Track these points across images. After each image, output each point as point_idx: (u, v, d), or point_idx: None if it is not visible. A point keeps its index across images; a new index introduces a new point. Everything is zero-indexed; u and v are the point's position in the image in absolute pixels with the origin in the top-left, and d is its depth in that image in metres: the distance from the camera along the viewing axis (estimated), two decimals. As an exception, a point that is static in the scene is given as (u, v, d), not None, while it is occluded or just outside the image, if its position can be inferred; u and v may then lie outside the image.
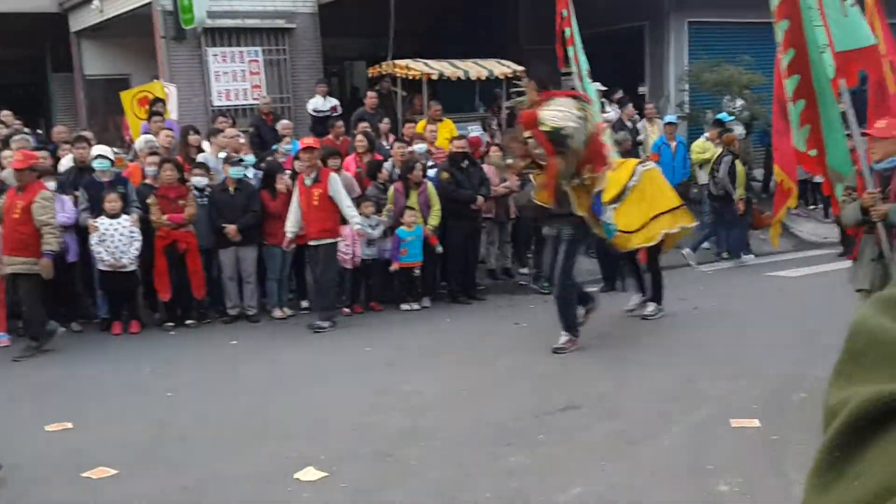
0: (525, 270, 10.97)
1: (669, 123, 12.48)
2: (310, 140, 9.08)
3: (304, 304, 9.69)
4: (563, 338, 7.55)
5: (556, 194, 7.25)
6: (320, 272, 8.91)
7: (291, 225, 8.87)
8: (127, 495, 4.98)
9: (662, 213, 8.42)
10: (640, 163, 8.64)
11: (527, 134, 7.05)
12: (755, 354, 7.20)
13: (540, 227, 10.89)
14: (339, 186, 8.80)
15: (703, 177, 11.92)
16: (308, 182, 8.78)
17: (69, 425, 6.16)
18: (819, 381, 4.72)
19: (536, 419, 5.92)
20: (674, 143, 12.29)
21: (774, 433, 5.45)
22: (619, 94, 14.27)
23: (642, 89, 16.63)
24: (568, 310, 7.60)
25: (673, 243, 9.07)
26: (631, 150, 12.30)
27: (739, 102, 13.86)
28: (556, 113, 6.89)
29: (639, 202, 8.31)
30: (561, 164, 6.95)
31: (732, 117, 12.86)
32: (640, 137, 13.11)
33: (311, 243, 8.87)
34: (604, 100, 14.08)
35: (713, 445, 5.37)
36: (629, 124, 13.27)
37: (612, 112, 13.89)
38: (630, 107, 13.72)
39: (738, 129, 12.61)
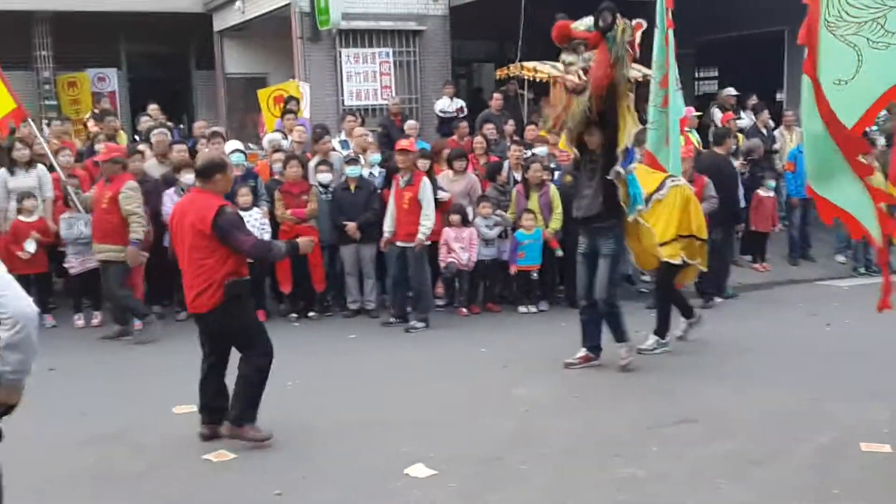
0: (647, 278, 10.74)
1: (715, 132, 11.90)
2: (406, 143, 9.13)
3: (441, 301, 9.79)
4: (624, 349, 7.23)
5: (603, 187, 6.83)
6: (411, 274, 8.90)
7: (388, 225, 8.98)
8: (245, 480, 5.16)
9: (684, 237, 7.68)
10: (671, 177, 7.82)
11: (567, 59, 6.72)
12: (889, 377, 6.81)
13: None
14: (429, 192, 8.81)
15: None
16: (402, 184, 8.84)
17: (194, 408, 6.42)
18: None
19: (649, 431, 5.79)
20: (811, 153, 11.77)
21: (906, 460, 5.16)
22: (754, 100, 13.79)
23: (780, 96, 16.04)
24: (618, 322, 7.22)
25: (689, 279, 8.32)
26: (764, 156, 11.90)
27: (883, 112, 13.15)
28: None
29: (665, 217, 7.58)
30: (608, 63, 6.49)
31: (875, 128, 12.21)
32: (777, 146, 12.63)
33: (399, 244, 8.89)
34: (736, 105, 13.67)
35: (840, 469, 5.12)
36: (764, 131, 12.81)
37: (746, 118, 13.45)
38: (765, 113, 13.23)
39: (880, 141, 11.97)
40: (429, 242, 9.00)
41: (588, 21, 6.56)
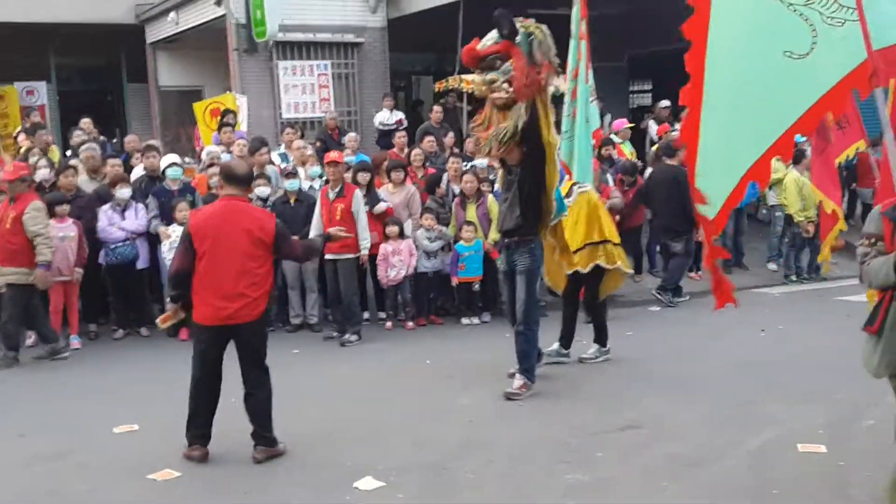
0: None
1: (665, 145, 12.24)
2: (334, 154, 9.09)
3: (365, 314, 9.77)
4: (519, 381, 6.83)
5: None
6: (343, 288, 8.85)
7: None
8: (191, 498, 5.08)
9: (597, 244, 7.61)
10: (577, 184, 7.72)
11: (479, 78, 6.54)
12: (823, 379, 7.03)
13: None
14: (361, 204, 8.81)
15: (772, 198, 11.72)
16: (331, 196, 8.78)
17: (135, 427, 6.32)
18: (888, 409, 4.60)
19: (594, 437, 5.87)
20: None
21: (841, 459, 5.32)
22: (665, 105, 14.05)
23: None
24: (528, 345, 6.88)
25: (615, 286, 8.16)
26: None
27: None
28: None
29: (571, 225, 7.49)
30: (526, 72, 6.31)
31: (803, 138, 12.59)
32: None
33: (329, 257, 8.80)
34: (671, 118, 13.97)
35: (778, 470, 5.26)
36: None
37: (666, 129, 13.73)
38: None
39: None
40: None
41: (493, 34, 6.45)
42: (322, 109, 13.81)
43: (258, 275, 5.43)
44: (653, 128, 13.78)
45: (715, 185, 4.33)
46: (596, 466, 5.37)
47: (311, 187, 9.78)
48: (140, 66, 17.06)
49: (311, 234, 8.86)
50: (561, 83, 9.50)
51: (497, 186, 10.02)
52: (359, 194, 8.84)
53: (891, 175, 4.80)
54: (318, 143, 12.31)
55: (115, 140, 14.99)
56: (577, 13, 8.04)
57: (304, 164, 10.23)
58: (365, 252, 8.80)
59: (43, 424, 6.48)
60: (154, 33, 16.35)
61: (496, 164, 10.10)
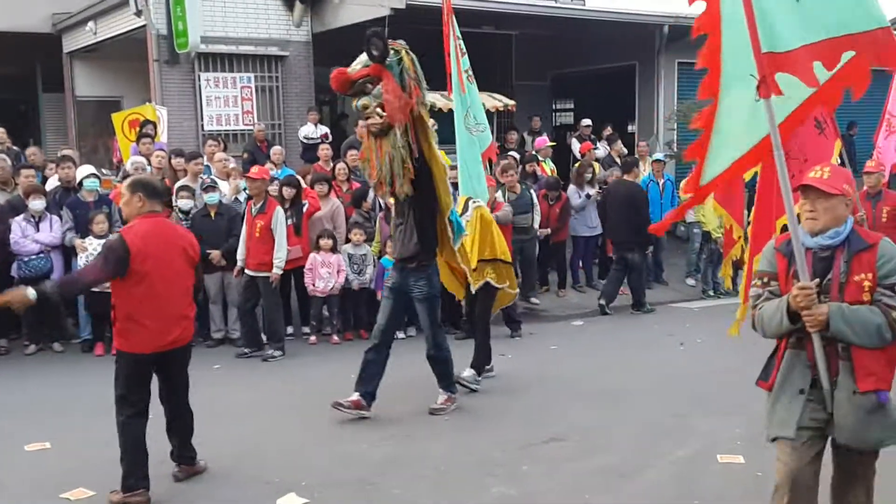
0: (512, 303, 10.95)
1: (657, 161, 12.58)
2: (255, 170, 8.99)
3: (289, 329, 9.63)
4: (443, 396, 6.84)
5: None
6: (264, 303, 8.76)
7: (241, 254, 8.80)
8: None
9: (487, 261, 7.48)
10: (471, 199, 7.64)
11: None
12: (741, 393, 7.15)
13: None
14: (281, 221, 8.72)
15: (690, 215, 12.00)
16: (254, 212, 8.71)
17: (48, 445, 6.08)
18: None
19: (521, 450, 5.88)
20: (662, 181, 12.38)
21: (759, 469, 5.42)
22: (609, 131, 14.38)
23: (632, 128, 16.80)
24: (445, 365, 6.84)
25: (503, 304, 8.18)
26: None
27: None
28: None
29: (469, 241, 7.33)
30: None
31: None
32: (629, 174, 13.18)
33: (249, 273, 8.72)
34: (592, 136, 14.23)
35: (700, 480, 5.34)
36: (618, 160, 13.37)
37: (602, 149, 14.00)
38: (619, 143, 13.82)
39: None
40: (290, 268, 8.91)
41: (363, 58, 6.11)
42: (245, 122, 13.63)
43: (191, 294, 5.28)
44: (576, 145, 14.01)
45: (715, 163, 4.00)
46: (523, 480, 5.37)
47: (236, 199, 9.63)
48: (56, 75, 16.58)
49: (239, 250, 8.73)
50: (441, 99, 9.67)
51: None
52: (279, 211, 8.73)
53: (771, 202, 4.96)
54: (245, 156, 12.14)
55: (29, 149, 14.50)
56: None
57: (228, 176, 10.05)
58: (278, 271, 8.67)
59: (-53, 444, 6.18)
60: (71, 43, 15.91)
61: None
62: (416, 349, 8.09)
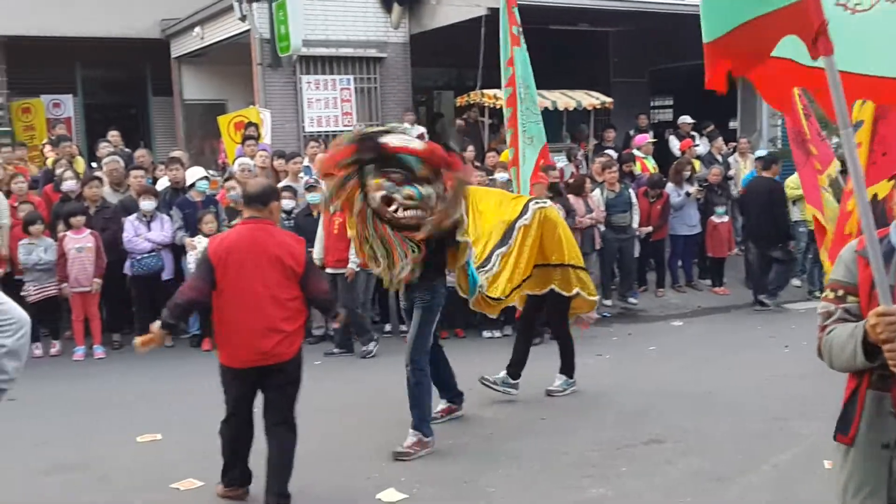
0: (609, 302, 10.87)
1: (760, 158, 12.24)
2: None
3: (388, 327, 9.78)
4: (411, 438, 5.86)
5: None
6: (344, 301, 8.65)
7: (317, 252, 8.88)
8: (213, 507, 5.10)
9: (556, 266, 6.91)
10: (534, 200, 7.08)
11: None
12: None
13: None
14: None
15: (796, 213, 11.65)
16: (332, 209, 8.75)
17: (158, 437, 6.35)
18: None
19: (618, 451, 5.85)
20: (765, 178, 12.05)
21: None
22: (710, 128, 14.08)
23: (734, 124, 16.39)
24: (420, 397, 5.95)
25: (581, 310, 7.45)
26: (721, 183, 12.14)
27: (835, 140, 13.52)
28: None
29: (529, 246, 6.78)
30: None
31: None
32: (731, 172, 12.90)
33: (329, 272, 8.80)
34: (693, 133, 13.96)
35: (803, 486, 5.21)
36: (719, 158, 13.08)
37: (702, 145, 13.72)
38: (720, 140, 13.52)
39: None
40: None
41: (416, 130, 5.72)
42: (345, 123, 13.89)
43: (291, 307, 4.83)
44: (674, 143, 13.76)
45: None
46: (620, 481, 5.34)
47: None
48: (165, 79, 17.21)
49: (316, 247, 8.86)
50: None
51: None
52: None
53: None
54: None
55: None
56: (505, 23, 7.93)
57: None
58: (353, 266, 8.74)
59: (66, 434, 6.53)
60: (179, 47, 16.50)
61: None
62: (508, 348, 8.17)
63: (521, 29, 8.24)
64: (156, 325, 4.90)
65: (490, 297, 6.69)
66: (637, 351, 8.97)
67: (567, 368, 7.33)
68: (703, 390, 7.36)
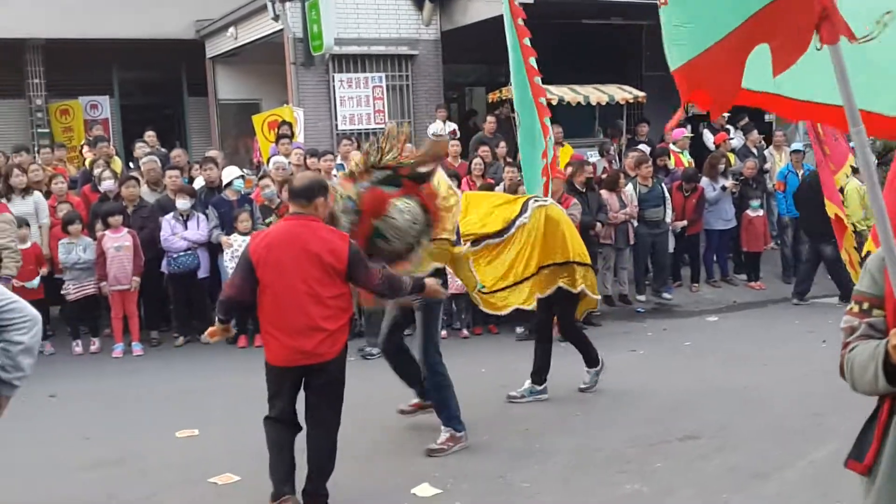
0: (642, 298, 10.83)
1: (796, 151, 12.10)
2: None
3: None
4: (444, 434, 5.87)
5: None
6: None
7: None
8: (251, 501, 5.14)
9: (562, 265, 6.71)
10: (534, 198, 6.88)
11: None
12: (887, 391, 6.87)
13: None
14: None
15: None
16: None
17: (196, 432, 6.44)
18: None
19: (654, 447, 5.82)
20: (801, 172, 11.91)
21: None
22: (745, 121, 13.94)
23: (769, 117, 16.20)
24: (443, 398, 5.92)
25: (587, 307, 7.31)
26: (757, 176, 12.03)
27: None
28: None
29: (528, 246, 6.60)
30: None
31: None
32: (767, 165, 12.76)
33: None
34: (728, 126, 13.83)
35: (841, 482, 5.13)
36: (755, 151, 12.95)
37: (737, 138, 13.59)
38: (755, 133, 13.37)
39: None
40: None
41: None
42: (377, 121, 13.95)
43: (333, 306, 4.71)
44: (708, 137, 13.64)
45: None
46: (654, 477, 5.32)
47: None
48: (200, 79, 17.40)
49: None
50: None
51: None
52: None
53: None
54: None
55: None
56: (508, 19, 7.75)
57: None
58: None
59: (106, 429, 6.64)
60: (213, 48, 16.66)
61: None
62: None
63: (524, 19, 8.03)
64: (217, 322, 4.97)
65: (483, 292, 6.59)
66: (672, 346, 8.92)
67: (590, 360, 7.19)
68: (740, 385, 7.30)
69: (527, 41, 7.65)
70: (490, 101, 14.31)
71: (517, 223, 6.62)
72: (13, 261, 8.11)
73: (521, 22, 7.64)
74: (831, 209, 6.98)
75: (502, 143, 12.10)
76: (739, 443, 5.88)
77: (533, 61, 7.64)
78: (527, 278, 6.66)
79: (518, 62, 7.67)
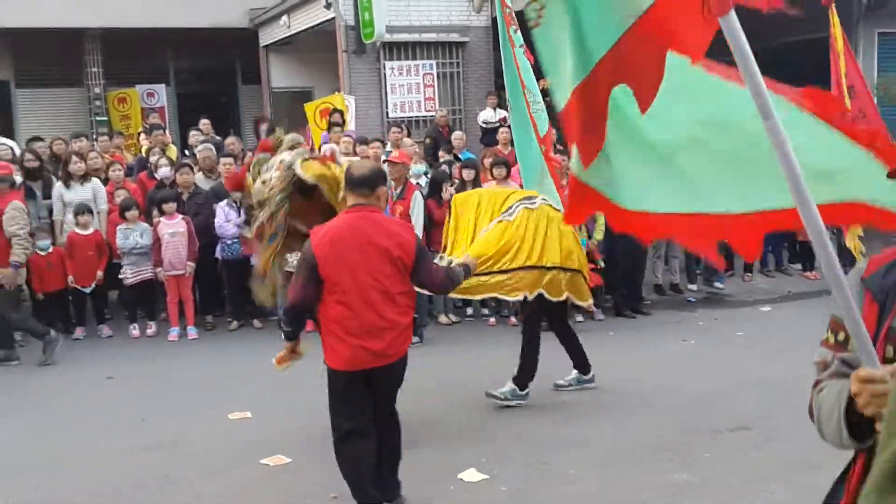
0: (694, 287, 10.72)
1: None
2: (396, 154, 9.17)
3: (469, 311, 9.86)
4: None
5: None
6: None
7: None
8: (302, 483, 5.26)
9: (549, 269, 6.31)
10: (527, 199, 6.46)
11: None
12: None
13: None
14: (419, 207, 8.75)
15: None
16: (393, 197, 8.68)
17: (248, 415, 6.57)
18: None
19: (703, 437, 5.79)
20: (859, 159, 11.67)
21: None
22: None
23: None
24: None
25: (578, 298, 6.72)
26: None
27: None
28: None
29: (514, 240, 6.26)
30: None
31: None
32: (823, 153, 12.51)
33: None
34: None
35: (894, 476, 5.07)
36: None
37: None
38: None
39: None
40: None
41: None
42: (427, 108, 14.00)
43: (402, 303, 4.47)
44: (764, 124, 13.41)
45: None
46: (702, 466, 5.30)
47: (417, 184, 9.93)
48: (253, 68, 17.62)
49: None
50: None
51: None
52: (417, 196, 8.89)
53: None
54: (427, 141, 12.47)
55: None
56: (502, 23, 7.57)
57: (410, 160, 10.40)
58: None
59: (161, 411, 6.81)
60: (267, 37, 16.85)
61: None
62: (592, 332, 8.14)
63: (517, 29, 7.80)
64: (286, 341, 4.79)
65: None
66: (723, 336, 8.83)
67: (580, 365, 6.94)
68: (793, 375, 7.13)
69: (513, 30, 7.55)
70: (541, 87, 14.23)
71: (499, 219, 6.39)
72: (22, 248, 8.14)
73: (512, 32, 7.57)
74: None
75: (553, 130, 12.04)
76: (790, 433, 5.81)
77: (521, 51, 7.52)
78: (503, 271, 6.23)
79: (508, 52, 7.66)
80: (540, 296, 6.36)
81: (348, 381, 4.45)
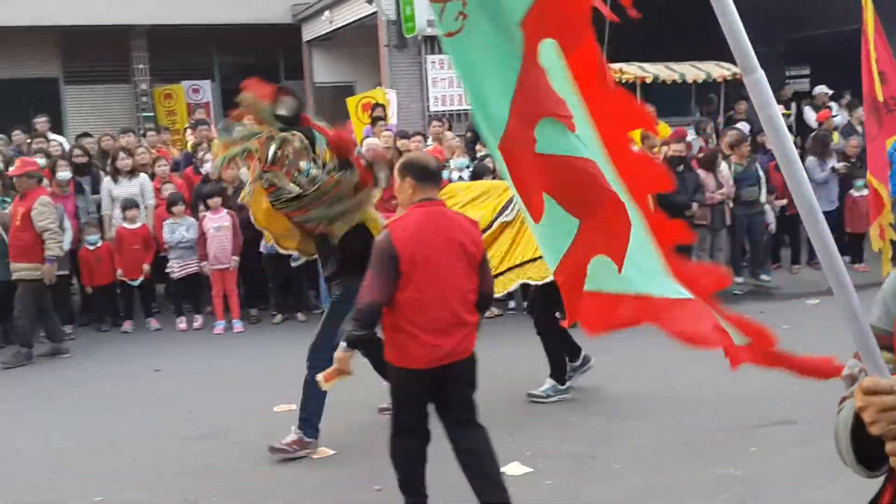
0: (740, 279, 10.59)
1: None
2: (431, 148, 9.20)
3: (512, 304, 9.86)
4: (292, 436, 5.62)
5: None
6: None
7: None
8: (345, 476, 5.31)
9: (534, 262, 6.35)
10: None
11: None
12: None
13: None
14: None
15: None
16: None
17: (293, 407, 6.61)
18: None
19: (747, 431, 5.74)
20: (910, 150, 11.42)
21: None
22: (848, 98, 13.45)
23: (875, 91, 15.56)
24: (309, 399, 5.63)
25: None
26: (861, 155, 11.59)
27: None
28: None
29: (507, 242, 6.39)
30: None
31: None
32: (872, 144, 12.28)
33: None
34: (832, 103, 13.37)
35: (946, 473, 4.99)
36: (859, 128, 12.48)
37: (840, 116, 13.13)
38: (860, 110, 12.87)
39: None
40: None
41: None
42: (467, 102, 13.98)
43: (470, 300, 4.35)
44: (810, 114, 13.21)
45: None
46: (747, 461, 5.25)
47: (460, 178, 9.95)
48: (296, 63, 17.75)
49: None
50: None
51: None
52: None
53: None
54: (468, 134, 12.47)
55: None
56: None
57: (452, 154, 10.41)
58: None
59: (208, 403, 6.91)
60: (310, 32, 16.96)
61: (647, 153, 9.86)
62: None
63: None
64: (340, 350, 4.37)
65: None
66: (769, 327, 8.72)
67: (555, 371, 6.66)
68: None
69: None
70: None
71: (499, 220, 6.50)
72: (55, 242, 8.20)
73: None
74: (872, 182, 6.73)
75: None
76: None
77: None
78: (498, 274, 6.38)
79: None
80: (540, 296, 6.56)
81: (419, 380, 4.32)
